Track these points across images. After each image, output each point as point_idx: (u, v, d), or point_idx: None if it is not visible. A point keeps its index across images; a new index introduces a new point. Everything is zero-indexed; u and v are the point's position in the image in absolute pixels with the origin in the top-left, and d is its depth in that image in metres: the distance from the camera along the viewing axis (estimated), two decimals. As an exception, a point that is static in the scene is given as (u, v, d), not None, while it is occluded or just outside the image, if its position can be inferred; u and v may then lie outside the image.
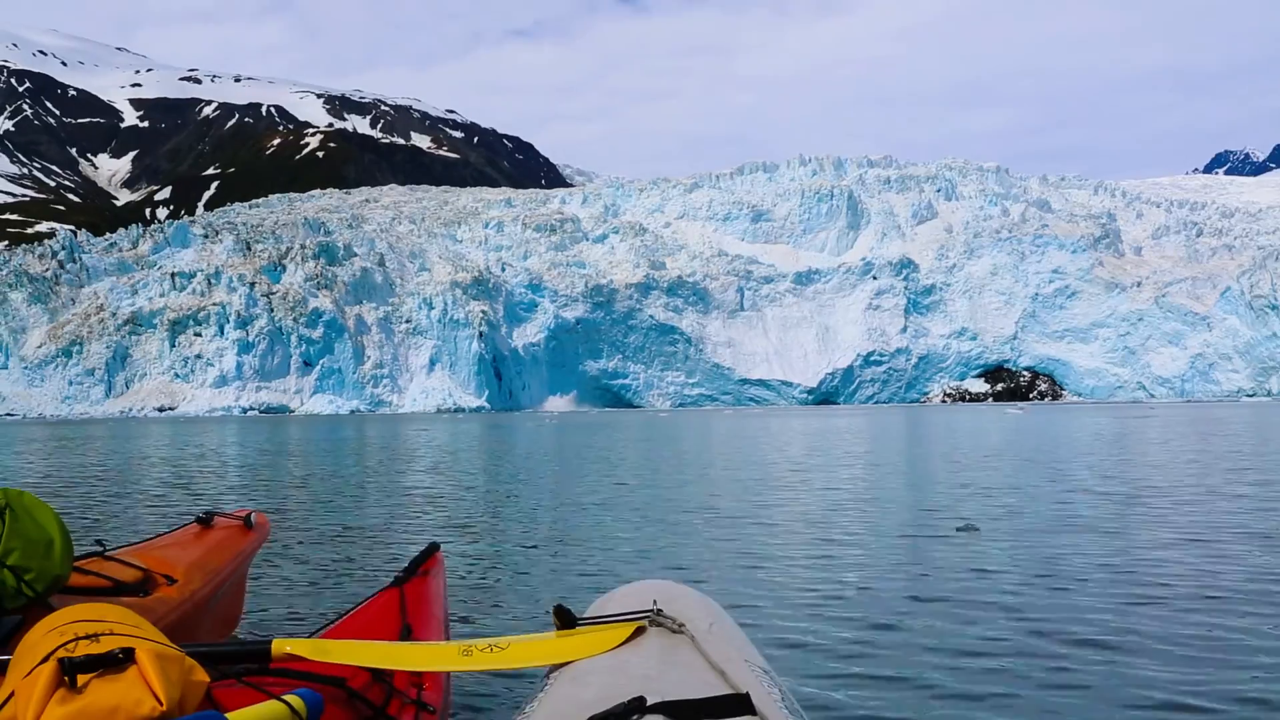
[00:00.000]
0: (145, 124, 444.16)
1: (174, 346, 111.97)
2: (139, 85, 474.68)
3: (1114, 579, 7.30)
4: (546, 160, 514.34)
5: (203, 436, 43.20)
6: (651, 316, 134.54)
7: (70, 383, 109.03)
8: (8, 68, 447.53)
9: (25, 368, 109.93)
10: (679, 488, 16.00)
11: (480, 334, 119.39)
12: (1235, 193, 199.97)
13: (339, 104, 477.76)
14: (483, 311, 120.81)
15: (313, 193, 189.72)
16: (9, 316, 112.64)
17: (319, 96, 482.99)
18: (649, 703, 2.01)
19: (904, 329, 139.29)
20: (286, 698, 2.29)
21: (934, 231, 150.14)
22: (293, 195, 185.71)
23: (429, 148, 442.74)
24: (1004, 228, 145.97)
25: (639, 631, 2.75)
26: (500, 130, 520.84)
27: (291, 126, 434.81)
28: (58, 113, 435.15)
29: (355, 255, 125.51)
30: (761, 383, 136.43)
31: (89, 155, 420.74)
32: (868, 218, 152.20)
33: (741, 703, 2.05)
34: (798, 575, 7.69)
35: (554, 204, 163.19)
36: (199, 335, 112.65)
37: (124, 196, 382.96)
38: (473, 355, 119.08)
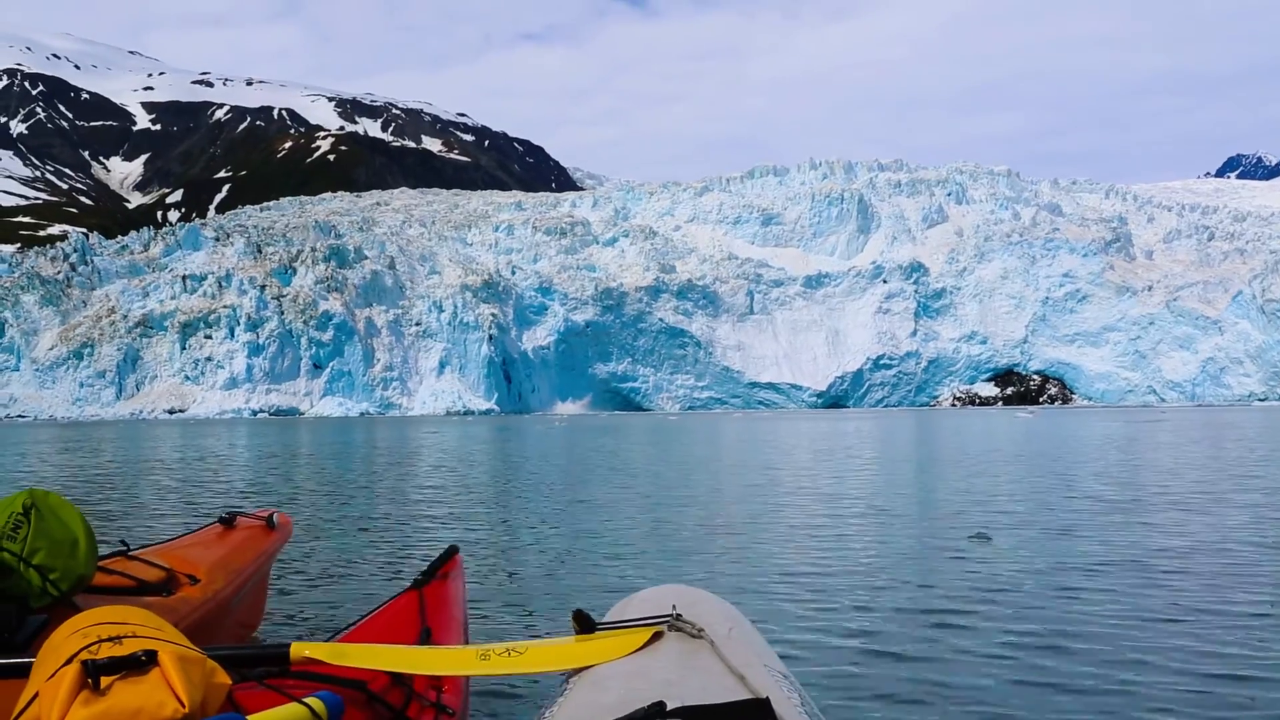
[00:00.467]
0: (157, 127, 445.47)
1: (185, 349, 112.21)
2: (151, 88, 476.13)
3: (1127, 590, 7.29)
4: (557, 163, 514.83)
5: (215, 438, 43.31)
6: (661, 320, 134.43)
7: (81, 384, 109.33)
8: (21, 71, 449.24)
9: (37, 369, 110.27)
10: (692, 492, 16.01)
11: (490, 337, 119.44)
12: (1247, 197, 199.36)
13: (350, 107, 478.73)
14: (492, 314, 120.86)
15: (323, 196, 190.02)
16: (21, 318, 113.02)
17: (330, 100, 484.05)
18: (669, 708, 2.00)
19: (914, 333, 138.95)
20: (307, 700, 2.30)
21: (944, 235, 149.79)
22: (304, 198, 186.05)
23: (440, 151, 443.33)
24: (1015, 231, 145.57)
25: (658, 636, 2.76)
26: (511, 133, 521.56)
27: (303, 130, 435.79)
28: (70, 116, 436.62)
29: (366, 258, 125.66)
30: (771, 386, 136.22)
31: (101, 158, 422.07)
32: (878, 221, 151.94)
33: (761, 708, 2.04)
34: (813, 581, 7.70)
35: (564, 207, 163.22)
36: (209, 338, 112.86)
37: (136, 199, 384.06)
38: (482, 358, 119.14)
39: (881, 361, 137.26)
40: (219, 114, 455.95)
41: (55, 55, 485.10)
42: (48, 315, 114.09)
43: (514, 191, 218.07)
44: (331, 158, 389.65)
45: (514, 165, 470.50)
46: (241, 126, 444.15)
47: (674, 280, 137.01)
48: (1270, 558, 8.52)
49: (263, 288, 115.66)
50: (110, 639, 2.13)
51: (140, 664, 2.07)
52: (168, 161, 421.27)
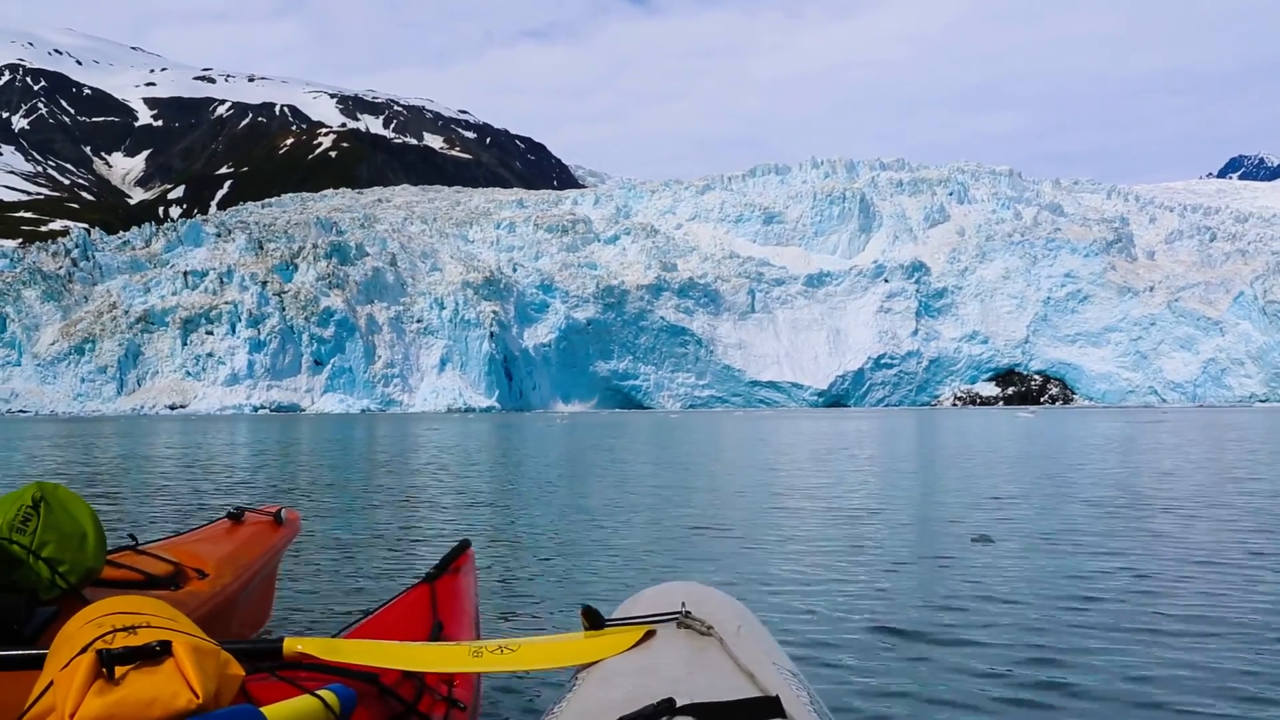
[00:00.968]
0: (159, 123, 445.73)
1: (186, 344, 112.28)
2: (153, 84, 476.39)
3: (1130, 593, 7.30)
4: (559, 161, 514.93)
5: (217, 435, 43.34)
6: (662, 318, 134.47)
7: (82, 380, 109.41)
8: (23, 66, 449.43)
9: (38, 365, 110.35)
10: (697, 490, 16.02)
11: (491, 334, 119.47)
12: (1249, 197, 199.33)
13: (352, 104, 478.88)
14: (494, 312, 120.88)
15: (325, 192, 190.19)
16: (22, 314, 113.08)
17: (332, 96, 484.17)
18: (678, 704, 2.00)
19: (915, 332, 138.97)
20: (320, 692, 2.30)
21: (946, 234, 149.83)
22: (305, 195, 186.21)
23: (441, 148, 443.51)
24: (1016, 231, 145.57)
25: (664, 633, 2.75)
26: (513, 131, 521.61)
27: (304, 126, 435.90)
28: (72, 111, 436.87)
29: (367, 255, 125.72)
30: (772, 385, 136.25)
31: (103, 154, 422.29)
32: (879, 220, 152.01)
33: (771, 705, 2.04)
34: (818, 581, 7.71)
35: (566, 205, 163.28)
36: (211, 333, 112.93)
37: (137, 195, 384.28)
38: (483, 355, 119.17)
39: (883, 361, 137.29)
40: (221, 110, 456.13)
41: (57, 51, 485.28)
42: (49, 311, 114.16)
43: (515, 189, 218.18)
44: (333, 154, 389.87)
45: (515, 163, 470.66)
46: (243, 123, 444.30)
47: (675, 278, 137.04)
48: (1272, 563, 8.52)
49: (264, 284, 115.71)
50: (125, 629, 2.13)
51: (155, 654, 2.07)
52: (169, 157, 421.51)
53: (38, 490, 3.56)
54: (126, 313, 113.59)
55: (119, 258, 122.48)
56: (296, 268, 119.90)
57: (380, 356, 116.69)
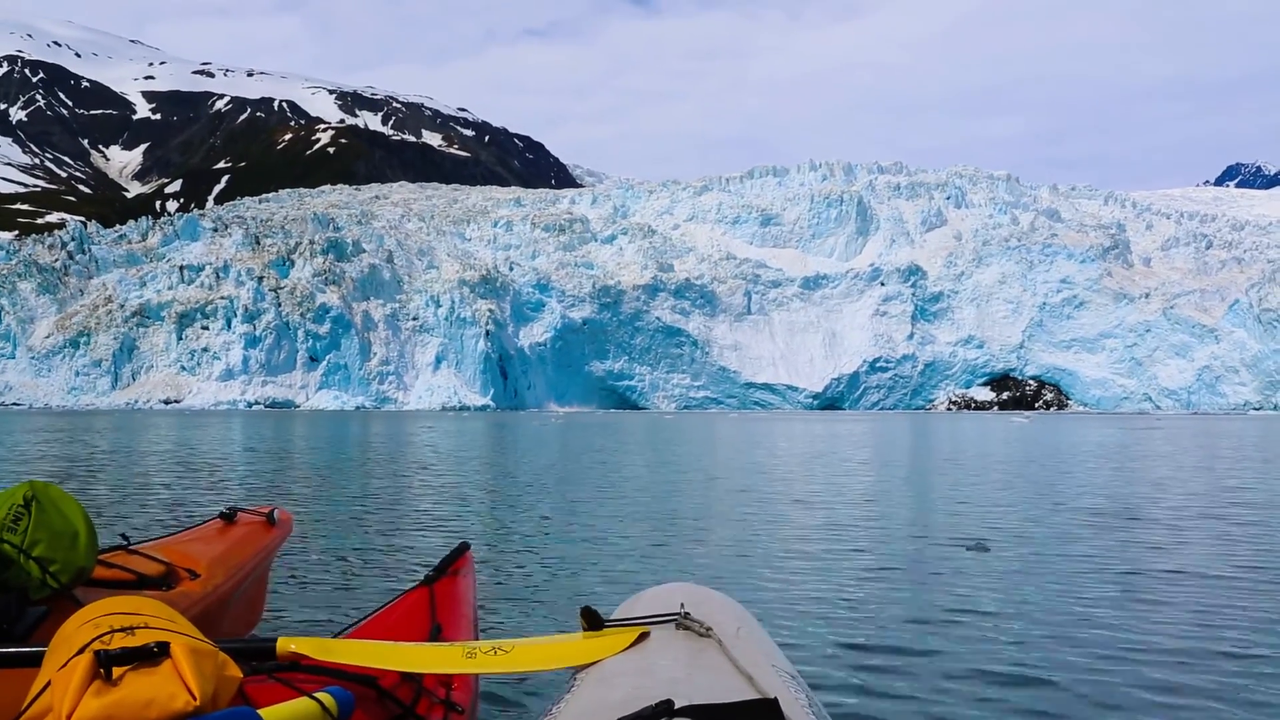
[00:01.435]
0: (157, 116, 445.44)
1: (181, 339, 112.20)
2: (152, 78, 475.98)
3: (1125, 600, 7.31)
4: (557, 160, 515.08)
5: (211, 430, 43.27)
6: (658, 318, 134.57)
7: (77, 373, 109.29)
8: (22, 58, 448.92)
9: (33, 358, 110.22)
10: (695, 492, 16.01)
11: (487, 332, 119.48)
12: (1246, 206, 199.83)
13: (351, 100, 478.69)
14: (490, 310, 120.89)
15: (323, 188, 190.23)
16: (17, 306, 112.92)
17: (331, 92, 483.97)
18: (677, 706, 1.98)
19: (911, 336, 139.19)
20: (318, 695, 2.30)
21: (943, 239, 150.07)
22: (303, 190, 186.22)
23: (440, 146, 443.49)
24: (1013, 236, 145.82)
25: (658, 635, 2.73)
26: (511, 129, 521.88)
27: (303, 122, 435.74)
28: (70, 104, 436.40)
29: (364, 251, 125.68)
30: (767, 387, 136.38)
31: (100, 147, 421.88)
32: (877, 224, 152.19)
33: (770, 708, 2.01)
34: (816, 584, 7.70)
35: (563, 204, 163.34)
36: (206, 328, 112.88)
37: (134, 189, 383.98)
38: (479, 354, 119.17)
39: (878, 364, 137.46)
40: (219, 105, 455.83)
41: (56, 43, 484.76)
42: (44, 303, 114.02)
43: (513, 187, 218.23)
44: (331, 150, 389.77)
45: (514, 161, 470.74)
46: (241, 118, 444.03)
47: (672, 279, 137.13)
48: (1265, 574, 8.53)
49: (260, 279, 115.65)
50: (123, 629, 2.12)
51: (152, 655, 2.06)
52: (167, 151, 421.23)
53: (29, 489, 3.52)
54: (122, 307, 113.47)
55: (115, 251, 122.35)
56: (293, 263, 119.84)
57: (376, 354, 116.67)
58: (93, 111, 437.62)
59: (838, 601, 7.05)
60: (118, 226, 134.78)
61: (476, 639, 3.48)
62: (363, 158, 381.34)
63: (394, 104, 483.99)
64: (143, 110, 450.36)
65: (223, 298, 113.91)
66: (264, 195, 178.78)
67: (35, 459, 22.92)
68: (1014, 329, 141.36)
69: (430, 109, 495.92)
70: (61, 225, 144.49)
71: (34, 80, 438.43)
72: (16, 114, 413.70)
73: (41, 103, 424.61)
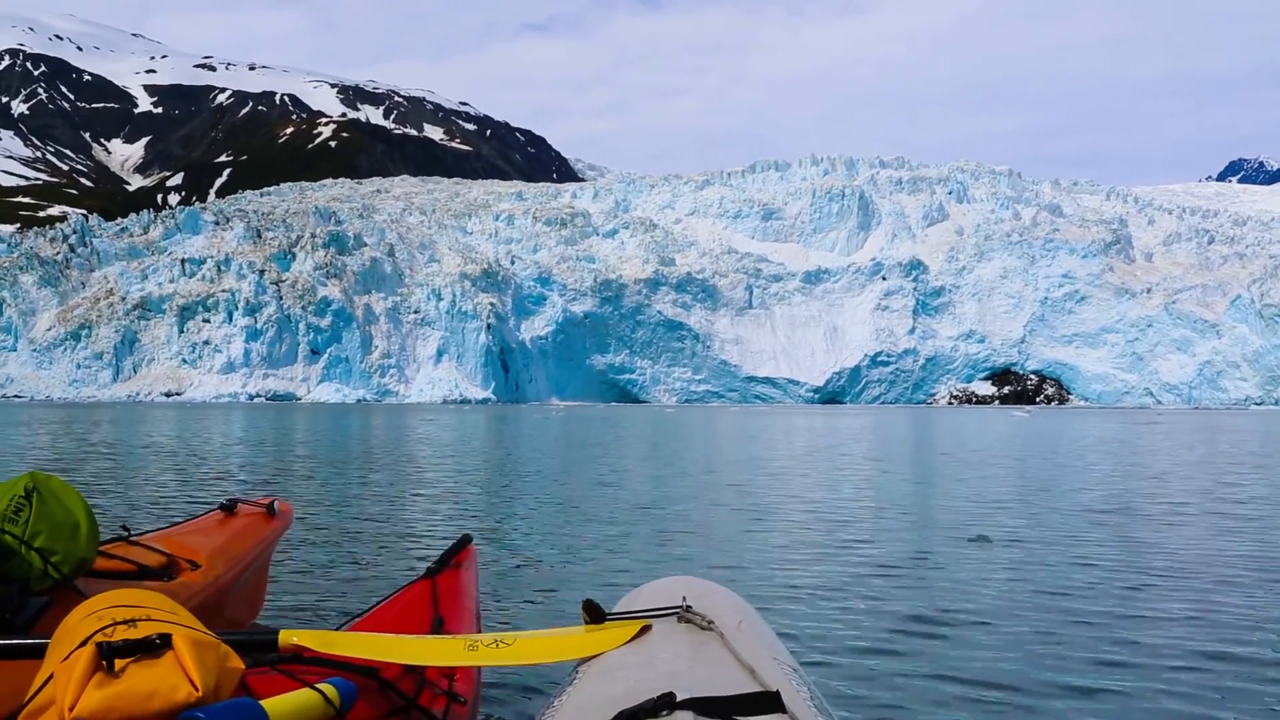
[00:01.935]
0: (159, 110, 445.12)
1: (182, 332, 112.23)
2: (154, 71, 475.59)
3: (1128, 593, 7.31)
4: (558, 154, 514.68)
5: (212, 423, 43.31)
6: (660, 312, 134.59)
7: (78, 366, 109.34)
8: (24, 51, 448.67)
9: (34, 350, 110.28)
10: (696, 486, 16.02)
11: (488, 326, 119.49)
12: (1248, 201, 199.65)
13: (352, 94, 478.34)
14: (491, 304, 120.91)
15: (324, 182, 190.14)
16: (19, 299, 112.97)
17: (333, 86, 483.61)
18: (678, 699, 1.99)
19: (912, 330, 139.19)
20: (320, 686, 2.29)
21: (944, 233, 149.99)
22: (304, 184, 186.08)
23: (441, 139, 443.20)
24: (1015, 231, 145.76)
25: (660, 628, 2.74)
26: (513, 123, 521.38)
27: (304, 115, 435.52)
28: (72, 97, 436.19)
29: (365, 245, 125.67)
30: (768, 380, 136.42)
31: (102, 140, 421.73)
32: (878, 218, 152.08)
33: (771, 700, 2.02)
34: (818, 577, 7.71)
35: (565, 198, 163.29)
36: (207, 321, 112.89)
37: (136, 182, 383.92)
38: (480, 347, 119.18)
39: (879, 358, 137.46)
40: (221, 98, 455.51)
41: (58, 36, 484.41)
42: (46, 296, 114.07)
43: (515, 181, 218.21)
44: (333, 144, 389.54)
45: (515, 155, 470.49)
46: (243, 111, 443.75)
47: (673, 273, 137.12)
48: (1264, 563, 8.53)
49: (262, 273, 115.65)
50: (125, 622, 2.12)
51: (155, 647, 2.06)
52: (169, 144, 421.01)
53: (30, 480, 3.53)
54: (123, 299, 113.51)
55: (117, 244, 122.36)
56: (294, 257, 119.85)
57: (377, 347, 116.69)
58: (94, 105, 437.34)
59: (839, 594, 7.06)
60: (119, 219, 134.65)
61: (479, 632, 3.48)
62: (364, 151, 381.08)
63: (395, 98, 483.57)
64: (144, 103, 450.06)
65: (224, 291, 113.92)
66: (265, 189, 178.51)
67: (36, 451, 22.95)
68: (1015, 323, 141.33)
69: (432, 103, 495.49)
70: (63, 218, 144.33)
71: (35, 73, 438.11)
72: (18, 107, 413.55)
73: (43, 96, 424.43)
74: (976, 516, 11.56)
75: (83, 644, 2.06)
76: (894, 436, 36.25)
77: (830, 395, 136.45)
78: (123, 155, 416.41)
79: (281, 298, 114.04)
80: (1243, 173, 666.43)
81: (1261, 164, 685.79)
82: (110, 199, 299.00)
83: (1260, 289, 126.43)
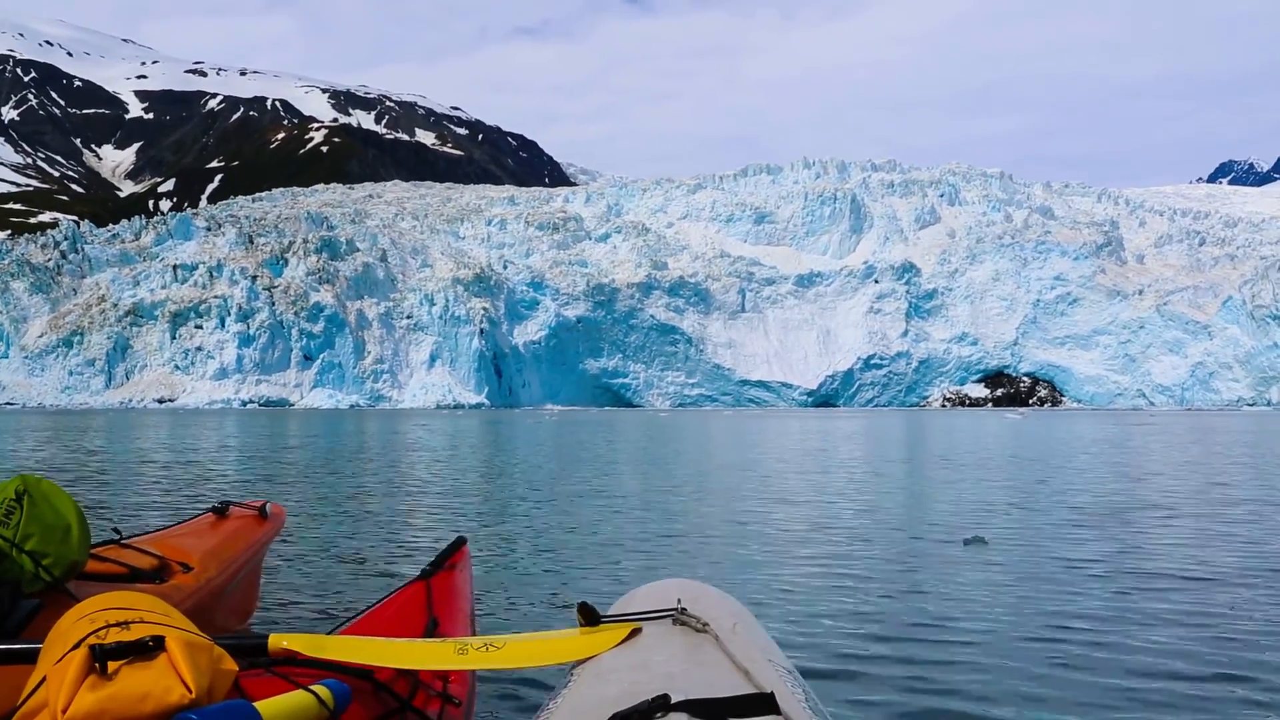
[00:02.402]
0: (150, 116, 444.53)
1: (175, 338, 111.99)
2: (144, 77, 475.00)
3: (1123, 593, 7.32)
4: (550, 158, 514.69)
5: (204, 429, 43.22)
6: (652, 316, 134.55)
7: (70, 373, 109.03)
8: (14, 57, 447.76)
9: (26, 357, 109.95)
10: (690, 489, 16.01)
11: (481, 331, 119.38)
12: (1239, 203, 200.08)
13: (344, 99, 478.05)
14: (484, 308, 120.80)
15: (316, 187, 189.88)
16: (10, 306, 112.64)
17: (324, 91, 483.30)
18: (673, 701, 1.99)
19: (905, 333, 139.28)
20: (314, 688, 2.29)
21: (936, 236, 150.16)
22: (296, 189, 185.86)
23: (433, 144, 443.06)
24: (1006, 233, 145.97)
25: (655, 630, 2.74)
26: (505, 128, 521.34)
27: (296, 121, 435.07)
28: (63, 103, 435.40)
29: (357, 250, 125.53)
30: (761, 384, 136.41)
31: (93, 146, 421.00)
32: (870, 221, 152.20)
33: (766, 702, 2.02)
34: (813, 579, 7.70)
35: (557, 202, 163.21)
36: (200, 327, 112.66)
37: (127, 188, 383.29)
38: (473, 352, 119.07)
39: (872, 361, 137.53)
40: (212, 104, 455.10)
41: (48, 42, 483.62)
42: (37, 303, 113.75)
43: (507, 186, 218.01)
44: (324, 149, 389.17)
45: (507, 159, 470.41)
46: (235, 116, 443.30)
47: (666, 277, 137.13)
48: (1260, 564, 8.55)
49: (254, 278, 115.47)
50: (118, 624, 2.12)
51: (148, 649, 2.07)
52: (160, 150, 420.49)
53: (21, 483, 3.51)
54: (115, 306, 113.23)
55: (108, 250, 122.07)
56: (287, 262, 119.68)
57: (370, 352, 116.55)
58: (85, 111, 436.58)
59: (834, 596, 7.05)
60: (111, 226, 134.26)
61: (473, 634, 3.47)
62: (356, 156, 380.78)
63: (387, 103, 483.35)
64: (135, 109, 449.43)
65: (216, 297, 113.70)
66: (257, 194, 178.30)
67: (28, 456, 22.88)
68: (1008, 326, 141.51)
69: (424, 107, 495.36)
70: (54, 224, 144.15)
71: (26, 79, 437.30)
72: (9, 113, 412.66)
73: (34, 102, 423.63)
74: (971, 519, 11.57)
75: (75, 646, 2.06)
76: (887, 439, 36.28)
77: (823, 398, 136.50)
78: (114, 161, 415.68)
79: (274, 303, 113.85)
80: (1233, 174, 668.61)
81: (1252, 166, 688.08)
82: (101, 205, 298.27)
83: (1251, 290, 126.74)
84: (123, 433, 38.02)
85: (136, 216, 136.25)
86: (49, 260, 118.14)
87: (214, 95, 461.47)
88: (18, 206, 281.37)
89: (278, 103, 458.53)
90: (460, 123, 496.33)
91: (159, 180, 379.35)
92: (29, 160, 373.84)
